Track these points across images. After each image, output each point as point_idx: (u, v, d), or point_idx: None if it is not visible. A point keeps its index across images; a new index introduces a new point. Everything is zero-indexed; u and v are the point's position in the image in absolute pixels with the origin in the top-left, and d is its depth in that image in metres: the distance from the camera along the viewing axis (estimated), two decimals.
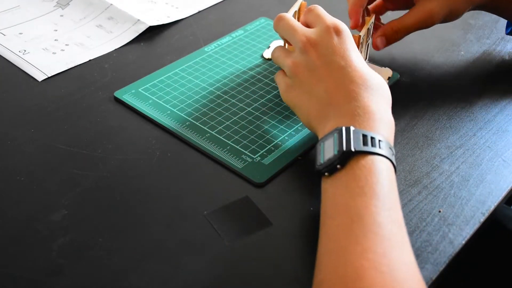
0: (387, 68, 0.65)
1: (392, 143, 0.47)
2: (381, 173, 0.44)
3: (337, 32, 0.52)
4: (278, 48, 0.58)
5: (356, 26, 0.61)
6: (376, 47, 0.63)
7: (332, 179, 0.45)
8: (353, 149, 0.44)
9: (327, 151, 0.46)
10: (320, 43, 0.52)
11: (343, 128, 0.46)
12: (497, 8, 0.65)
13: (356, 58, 0.51)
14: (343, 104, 0.48)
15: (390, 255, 0.39)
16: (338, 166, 0.44)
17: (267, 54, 0.70)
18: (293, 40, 0.54)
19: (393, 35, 0.62)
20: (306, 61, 0.52)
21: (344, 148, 0.44)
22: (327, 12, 0.56)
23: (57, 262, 0.45)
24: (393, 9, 0.68)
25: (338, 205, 0.43)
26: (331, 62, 0.51)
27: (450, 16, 0.62)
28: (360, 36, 0.59)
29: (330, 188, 0.45)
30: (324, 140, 0.47)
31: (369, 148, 0.44)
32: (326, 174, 0.45)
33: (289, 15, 0.57)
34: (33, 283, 0.44)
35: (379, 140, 0.45)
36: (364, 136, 0.45)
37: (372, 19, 0.62)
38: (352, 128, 0.45)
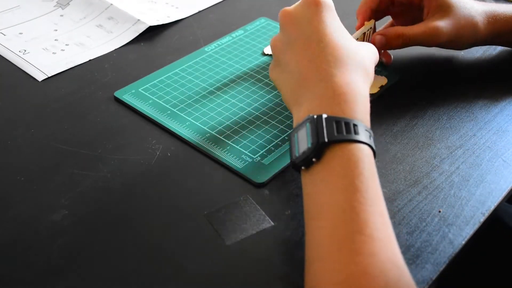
0: (383, 76, 0.65)
1: (368, 124, 0.45)
2: (360, 162, 0.42)
3: (316, 3, 0.50)
4: None
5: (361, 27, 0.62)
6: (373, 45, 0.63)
7: (310, 173, 0.43)
8: (326, 140, 0.42)
9: (301, 143, 0.44)
10: (295, 14, 0.51)
11: (315, 117, 0.44)
12: (504, 41, 0.67)
13: (333, 30, 0.49)
14: (313, 85, 0.47)
15: (379, 256, 0.38)
16: (314, 159, 0.43)
17: (268, 50, 0.70)
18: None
19: (394, 39, 0.61)
20: (283, 35, 0.52)
21: (318, 139, 0.42)
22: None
23: (57, 262, 0.45)
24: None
25: (319, 204, 0.41)
26: (306, 34, 0.49)
27: (455, 41, 0.63)
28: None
29: (309, 184, 0.43)
30: (297, 130, 0.45)
31: (343, 136, 0.42)
32: (302, 168, 0.44)
33: None
34: (33, 283, 0.44)
35: (354, 125, 0.43)
36: (338, 123, 0.43)
37: (371, 24, 0.62)
38: (324, 116, 0.43)
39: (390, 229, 0.40)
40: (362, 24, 0.62)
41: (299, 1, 0.52)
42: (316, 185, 0.43)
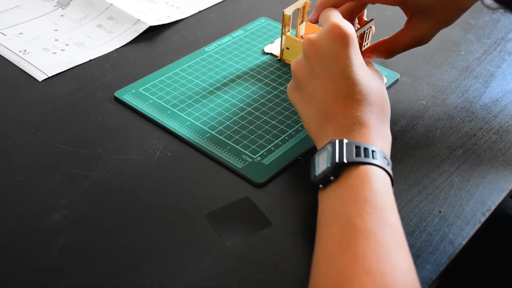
0: (383, 76, 0.65)
1: (388, 156, 0.47)
2: (374, 180, 0.43)
3: (342, 36, 0.49)
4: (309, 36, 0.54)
5: (313, 22, 0.59)
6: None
7: (327, 190, 0.45)
8: (345, 161, 0.44)
9: (321, 164, 0.46)
10: (321, 47, 0.50)
11: (337, 141, 0.46)
12: None
13: (358, 68, 0.49)
14: (340, 120, 0.48)
15: (382, 260, 0.39)
16: (332, 177, 0.44)
17: (268, 49, 0.70)
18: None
19: (383, 56, 0.61)
20: (306, 65, 0.51)
21: (337, 160, 0.44)
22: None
23: (57, 262, 0.45)
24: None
25: (332, 214, 0.43)
26: (331, 69, 0.49)
27: (444, 28, 0.62)
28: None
29: (325, 199, 0.45)
30: (318, 153, 0.47)
31: (361, 158, 0.44)
32: (320, 186, 0.45)
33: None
34: (33, 283, 0.44)
35: (373, 151, 0.45)
36: (357, 148, 0.45)
37: (371, 24, 0.62)
38: (345, 141, 0.45)
39: (400, 239, 0.41)
40: (317, 17, 0.59)
41: (324, 30, 0.50)
42: (331, 200, 0.44)
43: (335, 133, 0.47)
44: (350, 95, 0.48)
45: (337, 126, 0.48)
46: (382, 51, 0.60)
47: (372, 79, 0.50)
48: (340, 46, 0.49)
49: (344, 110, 0.48)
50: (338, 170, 0.44)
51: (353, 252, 0.39)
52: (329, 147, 0.46)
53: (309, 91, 0.51)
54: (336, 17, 0.52)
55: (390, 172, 0.46)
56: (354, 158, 0.44)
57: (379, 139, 0.47)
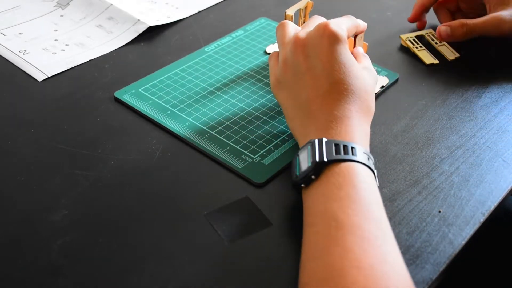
0: (383, 76, 0.65)
1: (368, 150, 0.47)
2: (356, 177, 0.44)
3: (328, 35, 0.50)
4: (289, 26, 0.56)
5: (413, 21, 0.72)
6: (439, 36, 0.68)
7: (310, 189, 0.45)
8: (325, 159, 0.44)
9: (302, 163, 0.46)
10: (308, 44, 0.51)
11: (316, 140, 0.46)
12: None
13: (343, 66, 0.49)
14: (320, 118, 0.48)
15: (370, 253, 0.39)
16: (313, 176, 0.45)
17: (270, 49, 0.70)
18: (287, 39, 0.54)
19: (458, 28, 0.65)
20: (293, 62, 0.52)
21: (317, 159, 0.45)
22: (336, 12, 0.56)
23: (57, 262, 0.45)
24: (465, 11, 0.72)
25: (316, 212, 0.44)
26: (316, 68, 0.50)
27: None
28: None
29: (308, 198, 0.45)
30: (299, 153, 0.48)
31: (341, 156, 0.45)
32: (302, 185, 0.46)
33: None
34: (33, 283, 0.44)
35: (352, 147, 0.45)
36: (336, 145, 0.45)
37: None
38: (324, 139, 0.46)
39: (386, 233, 0.42)
40: (415, 15, 0.72)
41: (313, 29, 0.52)
42: (314, 198, 0.45)
43: (316, 132, 0.48)
44: (330, 93, 0.49)
45: (317, 124, 0.48)
46: (457, 24, 0.66)
47: (357, 77, 0.50)
48: (325, 45, 0.50)
49: (322, 107, 0.49)
50: (319, 168, 0.45)
51: (340, 248, 0.40)
52: (309, 146, 0.46)
53: (295, 90, 0.52)
54: (321, 19, 0.55)
55: (372, 167, 0.46)
56: (334, 156, 0.45)
57: (357, 135, 0.47)
